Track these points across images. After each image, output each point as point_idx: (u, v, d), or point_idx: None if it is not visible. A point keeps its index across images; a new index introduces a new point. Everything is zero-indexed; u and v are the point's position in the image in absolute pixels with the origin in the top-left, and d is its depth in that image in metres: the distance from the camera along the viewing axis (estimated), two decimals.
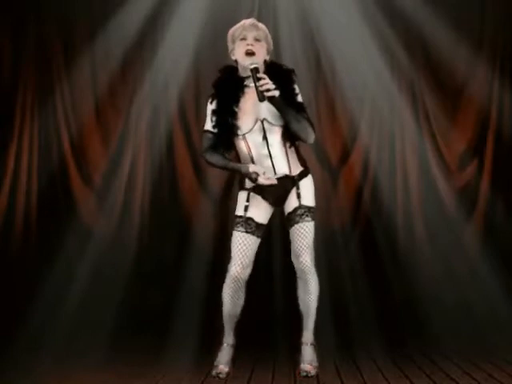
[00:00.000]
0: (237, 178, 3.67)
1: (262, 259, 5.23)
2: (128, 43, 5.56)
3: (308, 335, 3.64)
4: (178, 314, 5.17)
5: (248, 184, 3.58)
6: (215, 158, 3.59)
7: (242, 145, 3.56)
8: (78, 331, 5.02)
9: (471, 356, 4.31)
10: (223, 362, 3.65)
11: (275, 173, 3.55)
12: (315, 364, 3.60)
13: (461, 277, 5.45)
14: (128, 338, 5.00)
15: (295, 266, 3.60)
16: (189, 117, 5.66)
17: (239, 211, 3.59)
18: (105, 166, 5.66)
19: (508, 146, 5.58)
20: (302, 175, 3.61)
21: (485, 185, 5.58)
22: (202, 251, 5.39)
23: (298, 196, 3.56)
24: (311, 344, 3.64)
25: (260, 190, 3.57)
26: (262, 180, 3.44)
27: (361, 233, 5.62)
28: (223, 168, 3.63)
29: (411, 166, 5.65)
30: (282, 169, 3.56)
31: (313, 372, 3.57)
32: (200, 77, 5.58)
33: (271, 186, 3.49)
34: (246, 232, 3.55)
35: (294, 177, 3.58)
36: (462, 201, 5.59)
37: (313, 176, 3.69)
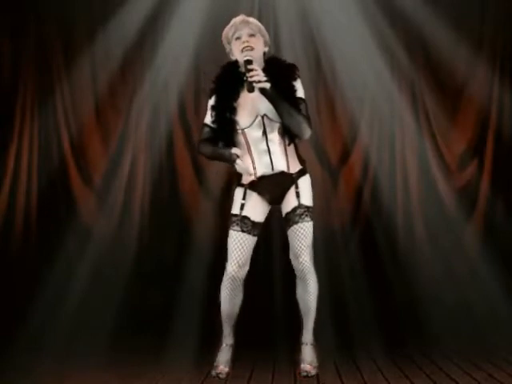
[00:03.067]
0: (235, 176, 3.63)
1: (262, 259, 5.27)
2: (128, 43, 5.57)
3: (308, 335, 3.64)
4: (178, 314, 5.17)
5: (245, 180, 3.57)
6: (206, 148, 3.58)
7: (241, 140, 3.54)
8: (78, 331, 5.02)
9: (471, 356, 4.31)
10: (223, 362, 3.64)
11: (273, 168, 3.53)
12: (315, 364, 3.60)
13: (461, 277, 5.45)
14: (128, 338, 5.00)
15: (294, 266, 3.58)
16: (189, 117, 5.67)
17: (235, 209, 3.57)
18: (105, 166, 5.66)
19: (508, 145, 5.58)
20: (301, 174, 3.58)
21: (485, 185, 5.59)
22: (202, 251, 5.39)
23: (298, 195, 3.54)
24: (311, 344, 3.63)
25: (256, 187, 3.55)
26: (239, 162, 3.42)
27: (361, 233, 5.62)
28: (212, 156, 3.60)
29: (411, 166, 5.65)
30: (280, 165, 3.53)
31: (313, 372, 3.57)
32: (200, 77, 5.59)
33: (267, 181, 3.48)
34: (242, 231, 3.53)
35: (292, 174, 3.56)
36: (462, 201, 5.59)
37: (313, 176, 3.68)
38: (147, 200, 5.65)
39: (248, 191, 3.55)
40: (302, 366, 3.59)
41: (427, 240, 5.57)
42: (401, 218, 5.61)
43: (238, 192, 3.59)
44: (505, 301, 5.19)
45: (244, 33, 3.53)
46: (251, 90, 3.37)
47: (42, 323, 5.07)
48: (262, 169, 3.51)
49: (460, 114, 5.68)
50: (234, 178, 3.67)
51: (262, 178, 3.53)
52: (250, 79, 3.37)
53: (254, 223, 3.55)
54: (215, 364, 3.65)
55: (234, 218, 3.56)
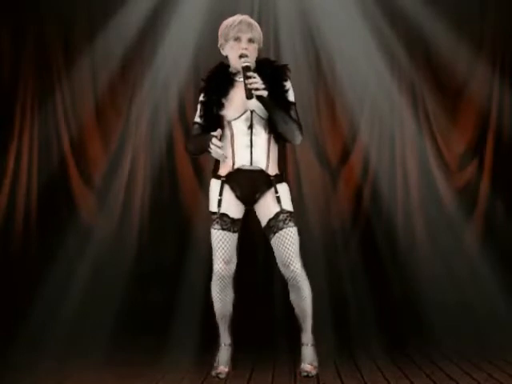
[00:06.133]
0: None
1: (261, 260, 5.27)
2: (128, 43, 5.57)
3: (307, 336, 3.63)
4: (178, 313, 5.17)
5: (222, 171, 3.53)
6: (191, 143, 3.58)
7: (226, 132, 3.52)
8: (78, 331, 5.02)
9: (471, 356, 4.31)
10: (222, 363, 3.64)
11: (251, 163, 3.48)
12: (316, 364, 3.60)
13: (461, 277, 5.46)
14: (128, 338, 5.00)
15: (285, 274, 3.50)
16: (189, 117, 5.66)
17: (213, 207, 3.51)
18: (105, 166, 5.66)
19: (508, 145, 5.58)
20: (279, 179, 3.52)
21: (485, 185, 5.59)
22: (202, 251, 5.38)
23: (278, 200, 3.49)
24: (311, 345, 3.63)
25: (230, 180, 3.49)
26: (215, 141, 3.35)
27: (361, 233, 5.62)
28: (195, 148, 3.54)
29: (411, 166, 5.66)
30: (259, 162, 3.48)
31: (313, 372, 3.57)
32: (200, 76, 5.57)
33: (242, 175, 3.45)
34: (223, 229, 3.48)
35: (269, 176, 3.50)
36: (462, 201, 5.59)
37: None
38: (147, 200, 5.65)
39: (224, 186, 3.50)
40: (303, 365, 3.59)
41: (427, 240, 5.58)
42: (401, 218, 5.61)
43: (214, 185, 3.53)
44: (505, 301, 5.20)
45: (245, 37, 3.50)
46: (250, 97, 3.36)
47: (42, 323, 5.06)
48: (241, 161, 3.46)
49: (460, 114, 5.68)
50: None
51: (239, 170, 3.48)
52: (248, 86, 3.36)
53: (233, 220, 3.50)
54: (215, 364, 3.64)
55: (213, 216, 3.51)
